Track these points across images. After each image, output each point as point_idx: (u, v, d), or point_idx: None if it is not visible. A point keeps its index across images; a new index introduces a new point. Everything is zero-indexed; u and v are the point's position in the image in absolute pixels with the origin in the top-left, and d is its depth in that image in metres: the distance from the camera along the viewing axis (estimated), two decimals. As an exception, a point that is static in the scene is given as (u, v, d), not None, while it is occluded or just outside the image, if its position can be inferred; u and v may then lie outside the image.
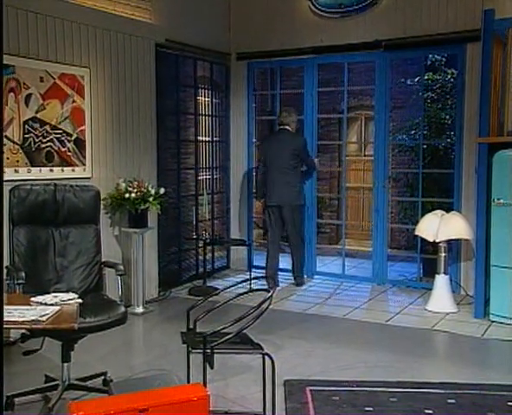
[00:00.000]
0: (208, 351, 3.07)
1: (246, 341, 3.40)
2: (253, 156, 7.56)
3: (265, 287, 3.43)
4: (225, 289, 4.06)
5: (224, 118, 7.33)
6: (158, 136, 6.16)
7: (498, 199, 5.08)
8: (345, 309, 5.69)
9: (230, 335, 3.15)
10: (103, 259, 4.00)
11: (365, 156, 9.26)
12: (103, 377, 3.73)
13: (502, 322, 5.05)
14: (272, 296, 3.34)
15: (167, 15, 6.13)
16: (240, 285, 4.13)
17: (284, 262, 7.40)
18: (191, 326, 3.48)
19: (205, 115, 7.16)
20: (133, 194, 5.33)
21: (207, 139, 7.14)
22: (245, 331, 3.34)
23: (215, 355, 3.16)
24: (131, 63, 5.72)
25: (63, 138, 5.10)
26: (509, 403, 3.13)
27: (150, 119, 5.99)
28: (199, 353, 3.16)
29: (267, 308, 3.30)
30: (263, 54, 7.02)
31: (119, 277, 3.72)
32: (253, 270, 6.98)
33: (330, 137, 9.01)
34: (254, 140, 7.61)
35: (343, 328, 5.21)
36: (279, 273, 7.04)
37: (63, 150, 5.11)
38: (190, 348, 3.30)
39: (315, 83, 6.89)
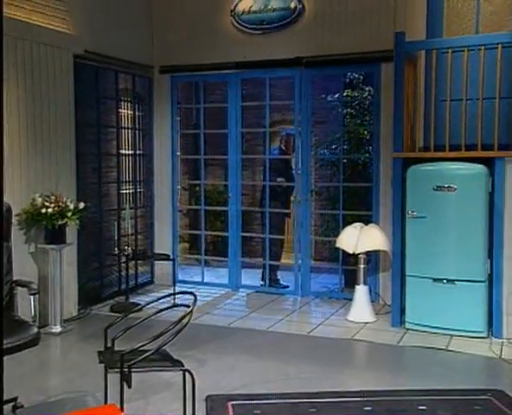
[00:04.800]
0: (126, 370, 2.99)
1: (166, 357, 3.35)
2: (178, 169, 7.51)
3: (187, 302, 3.39)
4: (147, 304, 3.98)
5: (147, 131, 7.23)
6: (78, 149, 5.98)
7: (412, 211, 5.31)
8: (269, 321, 5.74)
9: (148, 353, 3.10)
10: (15, 278, 3.82)
11: (289, 169, 9.40)
12: (13, 403, 3.53)
13: (416, 330, 5.27)
14: (192, 311, 3.32)
15: (86, 26, 5.99)
16: (163, 301, 4.05)
17: (209, 276, 7.41)
18: (109, 344, 3.39)
19: (127, 128, 7.04)
20: (50, 210, 5.14)
21: (129, 152, 7.02)
22: (165, 347, 3.30)
23: (135, 374, 3.10)
24: (47, 74, 5.53)
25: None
26: (420, 407, 3.27)
27: (68, 132, 5.81)
28: (116, 372, 3.07)
29: (187, 323, 3.27)
30: (186, 68, 7.02)
31: (32, 297, 3.56)
32: (178, 285, 6.91)
33: (255, 151, 9.10)
34: (178, 153, 7.56)
35: (267, 340, 5.25)
36: (204, 287, 7.04)
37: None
38: (107, 368, 3.21)
39: (238, 98, 6.96)
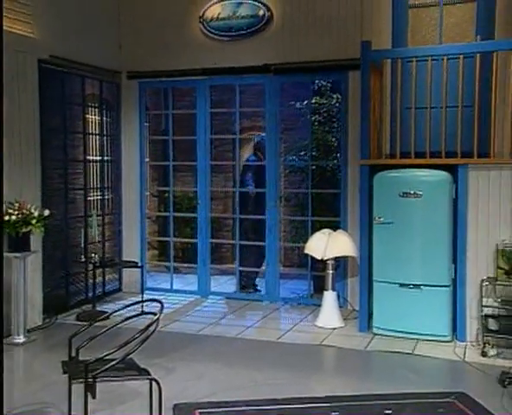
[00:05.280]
0: (90, 380, 2.95)
1: (133, 366, 3.31)
2: (146, 175, 7.45)
3: (155, 310, 3.37)
4: (114, 312, 3.93)
5: (115, 137, 7.16)
6: (43, 155, 5.88)
7: (379, 217, 5.38)
8: (238, 328, 5.73)
9: (114, 362, 3.05)
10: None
11: (259, 176, 9.42)
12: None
13: (383, 335, 5.33)
14: (158, 318, 3.29)
15: (51, 31, 5.90)
16: (130, 308, 4.01)
17: (178, 283, 7.37)
18: (74, 354, 3.33)
19: (95, 134, 6.96)
20: (14, 217, 5.03)
21: (97, 159, 6.94)
22: (132, 356, 3.26)
23: (101, 384, 3.05)
24: (10, 79, 5.41)
25: None
26: (386, 411, 3.29)
27: (32, 138, 5.71)
28: (80, 383, 3.02)
29: (154, 331, 3.24)
30: (155, 74, 6.98)
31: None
32: (147, 292, 6.85)
33: (225, 157, 9.10)
34: (147, 160, 7.50)
35: (236, 347, 5.23)
36: (173, 294, 7.00)
37: None
38: (71, 378, 3.15)
39: (207, 104, 6.96)
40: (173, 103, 7.33)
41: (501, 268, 4.84)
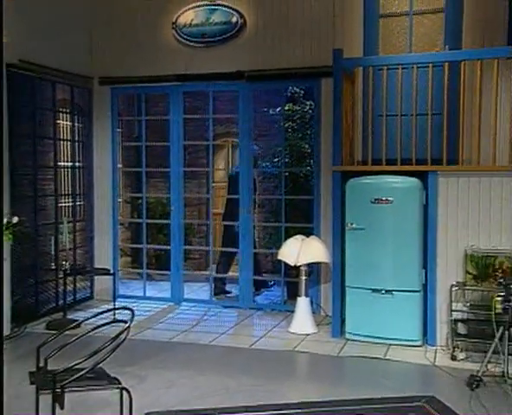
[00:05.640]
0: (58, 390, 2.90)
1: (103, 375, 3.27)
2: (119, 181, 7.38)
3: (127, 318, 3.33)
4: (84, 321, 3.88)
5: (87, 143, 7.08)
6: (12, 161, 5.78)
7: (351, 223, 5.42)
8: (211, 335, 5.70)
9: (83, 372, 3.01)
10: None
11: (233, 182, 9.43)
12: None
13: (356, 340, 5.37)
14: (129, 326, 3.26)
15: (20, 35, 5.80)
16: (101, 316, 3.96)
17: (151, 290, 7.31)
18: (42, 364, 3.27)
19: (66, 140, 6.88)
20: (-19, 224, 4.92)
21: (68, 165, 6.85)
22: (102, 365, 3.22)
23: (70, 394, 3.00)
24: (-22, 83, 5.32)
25: None
26: (358, 417, 3.32)
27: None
28: (48, 393, 2.97)
29: (124, 339, 3.21)
30: (127, 80, 6.93)
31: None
32: (119, 299, 6.78)
33: (199, 163, 9.07)
34: (120, 166, 7.44)
35: (209, 354, 5.21)
36: (146, 301, 6.95)
37: None
38: (38, 389, 3.09)
39: (180, 110, 6.93)
40: (146, 109, 7.29)
41: (469, 273, 4.92)
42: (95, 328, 3.60)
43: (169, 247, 7.16)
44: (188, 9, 6.65)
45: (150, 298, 7.08)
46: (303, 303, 5.88)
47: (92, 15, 6.96)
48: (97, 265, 7.06)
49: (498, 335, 4.14)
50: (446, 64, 5.22)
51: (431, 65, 5.24)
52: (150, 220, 7.62)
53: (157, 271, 7.96)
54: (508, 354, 4.13)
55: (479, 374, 4.16)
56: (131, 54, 6.88)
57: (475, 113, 5.09)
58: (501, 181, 5.04)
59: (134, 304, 6.81)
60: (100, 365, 3.16)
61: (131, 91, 7.40)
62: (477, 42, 5.57)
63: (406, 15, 5.90)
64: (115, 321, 3.83)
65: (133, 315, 3.35)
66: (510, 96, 4.95)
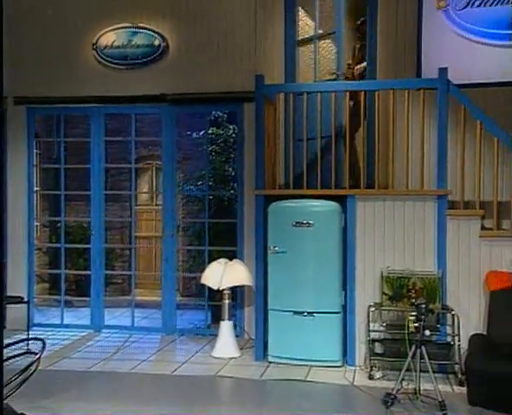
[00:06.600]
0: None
1: (9, 412, 3.08)
2: (35, 205, 7.09)
3: (38, 349, 3.18)
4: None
5: None
6: None
7: (274, 246, 5.48)
8: (132, 362, 5.54)
9: (-14, 409, 2.82)
10: None
11: (156, 205, 9.33)
12: None
13: (278, 363, 5.40)
14: (39, 358, 3.11)
15: None
16: (14, 347, 3.75)
17: (70, 317, 7.04)
18: None
19: (-23, 161, 6.53)
20: None
21: (-21, 187, 6.50)
22: (11, 400, 3.04)
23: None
24: None
25: None
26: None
27: None
28: None
29: (34, 371, 3.06)
30: (45, 100, 6.72)
31: None
32: (34, 329, 6.49)
33: (121, 186, 8.90)
34: (37, 188, 7.16)
35: (129, 383, 5.06)
36: (64, 329, 6.68)
37: None
38: None
39: (102, 132, 6.80)
40: (66, 130, 7.09)
41: (385, 294, 5.09)
42: (5, 361, 3.40)
43: (89, 272, 6.94)
44: (109, 30, 6.57)
45: (68, 326, 6.82)
46: (226, 326, 5.85)
47: (8, 30, 6.67)
48: (10, 293, 6.70)
49: (411, 353, 4.29)
50: (362, 92, 5.44)
51: (347, 92, 5.45)
52: (69, 245, 7.37)
53: (77, 298, 7.68)
54: (421, 371, 4.29)
55: (394, 392, 4.29)
56: (51, 75, 6.68)
57: (389, 140, 5.33)
58: (413, 204, 5.28)
59: (51, 333, 6.54)
60: (6, 401, 2.98)
61: (51, 112, 7.17)
62: (391, 72, 5.86)
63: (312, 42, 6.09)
64: (27, 352, 3.65)
65: (44, 345, 3.21)
66: (421, 125, 5.22)
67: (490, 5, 5.74)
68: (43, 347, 3.18)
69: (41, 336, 4.33)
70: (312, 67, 6.06)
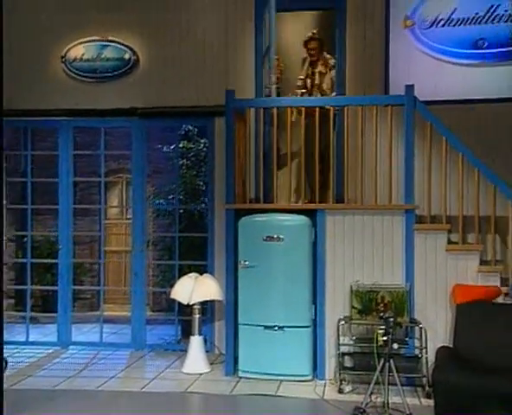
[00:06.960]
0: None
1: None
2: (3, 220, 6.92)
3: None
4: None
5: (-35, 178, 6.60)
6: None
7: (244, 261, 5.47)
8: (100, 380, 5.43)
9: None
10: None
11: (126, 219, 9.24)
12: None
13: (249, 378, 5.37)
14: (1, 378, 3.03)
15: None
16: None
17: (36, 334, 6.89)
18: None
19: None
20: None
21: None
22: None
23: None
24: None
25: None
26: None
27: None
28: None
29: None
30: (11, 113, 6.58)
31: None
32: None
33: (91, 200, 8.79)
34: (5, 202, 6.98)
35: (96, 401, 4.95)
36: (29, 347, 6.53)
37: None
38: None
39: (70, 145, 6.72)
40: (33, 143, 6.99)
41: (354, 307, 5.12)
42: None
43: (56, 288, 6.80)
44: (78, 43, 6.52)
45: (33, 343, 6.66)
46: (196, 341, 5.80)
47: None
48: (-26, 310, 6.52)
49: (379, 366, 4.32)
50: (332, 108, 5.51)
51: (317, 108, 5.50)
52: (35, 260, 7.23)
53: (43, 314, 7.52)
54: (389, 385, 4.32)
55: (363, 406, 4.30)
56: (18, 87, 6.55)
57: (357, 155, 5.40)
58: (382, 218, 5.35)
59: (15, 351, 6.38)
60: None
61: (17, 124, 7.03)
62: (359, 89, 5.95)
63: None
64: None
65: (6, 364, 3.12)
66: (389, 140, 5.30)
67: (454, 25, 5.91)
68: (5, 367, 3.10)
69: (6, 354, 4.24)
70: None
